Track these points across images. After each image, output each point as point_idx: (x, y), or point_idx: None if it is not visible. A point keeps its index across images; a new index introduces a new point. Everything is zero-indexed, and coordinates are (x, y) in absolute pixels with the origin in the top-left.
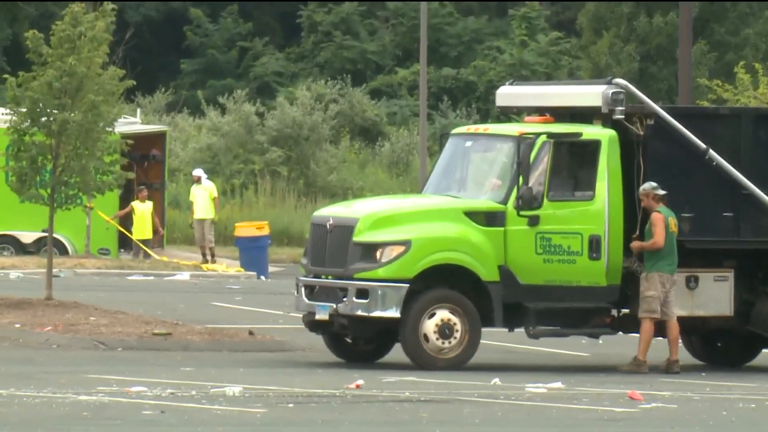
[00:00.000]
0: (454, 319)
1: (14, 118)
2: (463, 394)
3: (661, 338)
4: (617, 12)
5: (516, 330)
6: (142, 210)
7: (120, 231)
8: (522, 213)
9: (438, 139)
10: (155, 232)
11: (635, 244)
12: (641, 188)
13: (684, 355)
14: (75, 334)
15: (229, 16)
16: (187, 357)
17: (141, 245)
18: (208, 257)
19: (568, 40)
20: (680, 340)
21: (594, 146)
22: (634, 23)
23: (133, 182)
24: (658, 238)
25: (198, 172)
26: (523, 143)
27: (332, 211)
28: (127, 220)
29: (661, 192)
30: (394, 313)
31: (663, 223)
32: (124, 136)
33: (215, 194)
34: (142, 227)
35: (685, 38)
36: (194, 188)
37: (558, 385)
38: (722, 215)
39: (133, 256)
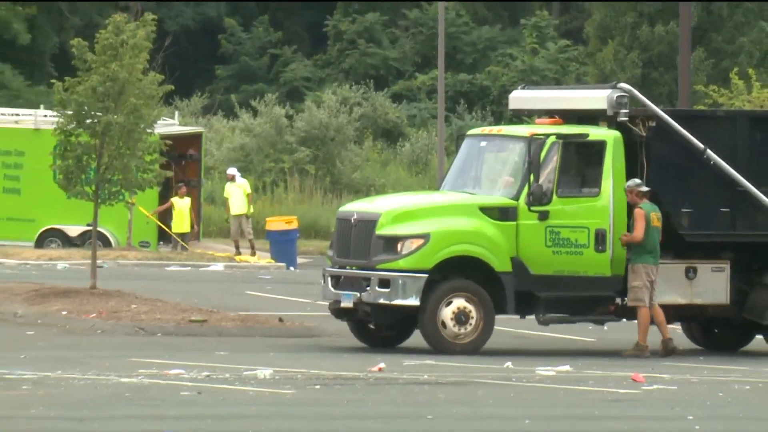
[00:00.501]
0: (470, 306)
1: (61, 120)
2: (478, 376)
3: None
4: (621, 21)
5: (527, 317)
6: (181, 206)
7: (159, 225)
8: (533, 208)
9: (455, 139)
10: (191, 227)
11: (623, 238)
12: (626, 185)
13: (683, 341)
14: (118, 320)
15: (261, 26)
16: (221, 342)
17: (178, 239)
18: (241, 250)
19: (575, 47)
20: (680, 327)
21: (600, 146)
22: (637, 32)
23: (172, 180)
24: (638, 232)
25: (232, 170)
26: (534, 143)
27: (356, 207)
28: (166, 215)
29: (644, 189)
30: (414, 301)
31: (644, 218)
32: (163, 137)
33: (249, 190)
34: (181, 222)
35: (684, 46)
36: (229, 186)
37: (566, 368)
38: (719, 211)
39: (172, 248)
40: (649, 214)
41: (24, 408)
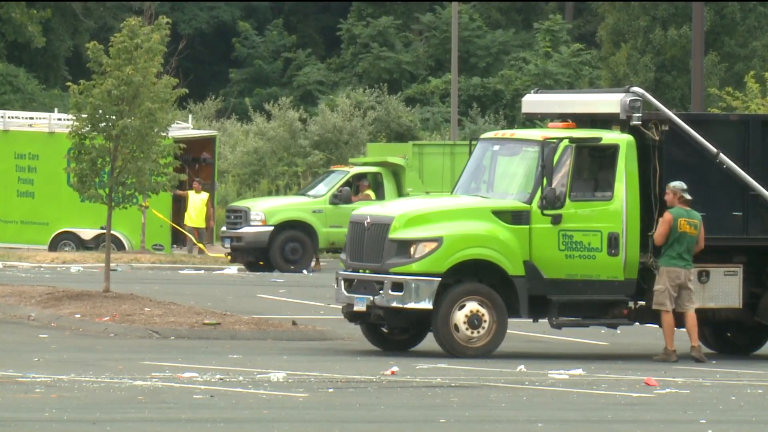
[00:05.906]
0: (483, 310)
1: (76, 123)
2: (490, 380)
3: (681, 329)
4: (634, 25)
5: (540, 321)
6: (194, 200)
7: (174, 228)
8: (546, 212)
9: (468, 143)
10: (207, 220)
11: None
12: (671, 184)
13: None
14: (131, 323)
15: (275, 29)
16: (234, 345)
17: (188, 234)
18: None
19: (588, 51)
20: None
21: (613, 150)
22: (650, 36)
23: (185, 183)
24: (656, 234)
25: None
26: (547, 147)
27: (369, 211)
28: (179, 216)
29: (687, 196)
30: (426, 304)
31: (666, 222)
32: (177, 141)
33: None
34: (195, 215)
35: (697, 50)
36: None
37: (579, 371)
38: (732, 214)
39: (188, 250)
40: (677, 220)
41: (37, 411)
